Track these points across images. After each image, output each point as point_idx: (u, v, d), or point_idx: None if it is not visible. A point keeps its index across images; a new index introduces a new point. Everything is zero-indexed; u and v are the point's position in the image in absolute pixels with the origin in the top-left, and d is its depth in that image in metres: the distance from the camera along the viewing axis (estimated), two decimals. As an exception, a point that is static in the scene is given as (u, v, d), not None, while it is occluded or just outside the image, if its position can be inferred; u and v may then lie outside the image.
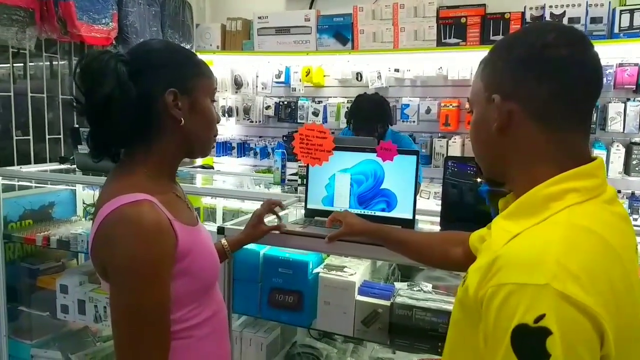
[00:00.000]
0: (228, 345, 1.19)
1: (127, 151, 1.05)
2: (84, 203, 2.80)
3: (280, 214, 1.75)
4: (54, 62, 3.23)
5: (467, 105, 3.48)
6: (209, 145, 1.11)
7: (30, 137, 3.02)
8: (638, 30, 3.04)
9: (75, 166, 2.59)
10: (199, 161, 4.25)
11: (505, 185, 0.85)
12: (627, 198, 3.23)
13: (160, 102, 0.99)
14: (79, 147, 2.50)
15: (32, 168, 2.69)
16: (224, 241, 1.43)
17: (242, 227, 1.60)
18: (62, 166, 2.73)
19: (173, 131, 1.02)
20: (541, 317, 0.60)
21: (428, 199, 3.11)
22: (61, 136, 3.22)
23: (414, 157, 1.63)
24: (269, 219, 1.53)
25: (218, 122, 1.12)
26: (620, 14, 3.08)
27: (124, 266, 0.90)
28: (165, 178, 1.06)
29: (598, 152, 3.19)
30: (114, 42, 3.18)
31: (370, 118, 2.64)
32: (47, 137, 3.14)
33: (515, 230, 0.72)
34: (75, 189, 2.75)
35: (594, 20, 3.16)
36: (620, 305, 0.65)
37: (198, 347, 1.04)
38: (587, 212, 0.71)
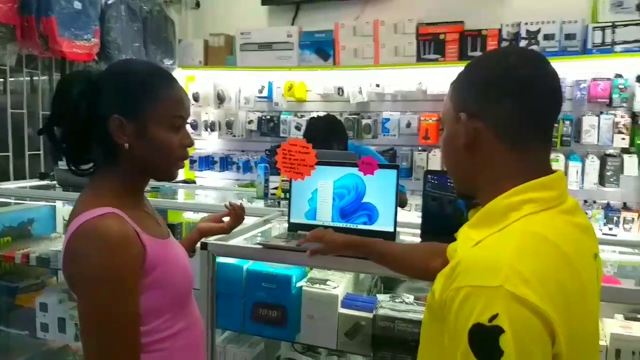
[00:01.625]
0: (204, 358, 1.19)
1: (95, 169, 1.08)
2: (64, 219, 2.76)
3: (265, 227, 1.76)
4: (34, 78, 3.21)
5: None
6: (166, 171, 1.08)
7: (10, 153, 2.98)
8: (610, 47, 3.15)
9: (55, 182, 2.57)
10: (181, 176, 4.24)
11: (477, 198, 0.89)
12: (602, 208, 3.31)
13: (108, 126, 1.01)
14: (60, 163, 2.48)
15: (11, 185, 2.66)
16: None
17: (226, 242, 1.61)
18: (42, 182, 2.70)
19: (123, 155, 1.02)
20: (495, 317, 0.64)
21: (410, 211, 3.14)
22: (41, 152, 3.19)
23: (394, 172, 1.66)
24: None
25: (188, 147, 1.09)
26: (593, 30, 3.19)
27: (90, 278, 0.91)
28: (131, 195, 1.07)
29: (573, 164, 3.28)
30: (96, 58, 3.18)
31: (325, 138, 2.67)
32: (27, 153, 3.11)
33: (477, 238, 0.77)
34: (55, 205, 2.72)
35: (568, 36, 3.26)
36: (571, 307, 0.69)
37: None
38: (542, 221, 0.75)
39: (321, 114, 3.86)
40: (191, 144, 1.10)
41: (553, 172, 0.81)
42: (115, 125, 1.00)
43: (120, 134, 1.00)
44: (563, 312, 0.67)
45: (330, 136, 2.67)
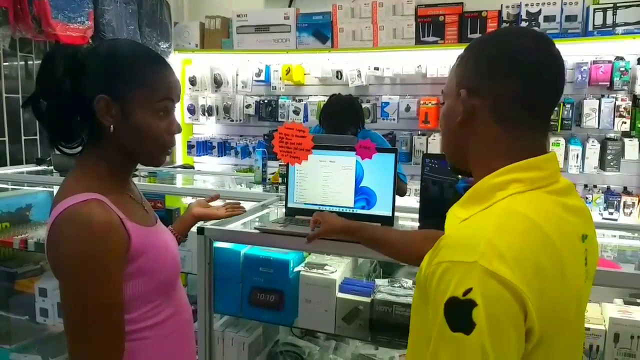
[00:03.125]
0: (192, 345, 1.18)
1: (81, 151, 1.06)
2: (62, 205, 2.75)
3: (263, 212, 1.75)
4: (29, 62, 3.17)
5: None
6: (150, 158, 1.06)
7: (6, 139, 2.96)
8: (611, 28, 3.11)
9: (52, 167, 2.56)
10: (179, 161, 4.22)
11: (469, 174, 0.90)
12: (602, 192, 3.30)
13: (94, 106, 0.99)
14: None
15: (8, 170, 2.65)
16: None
17: (224, 227, 1.60)
18: (39, 167, 2.69)
19: (107, 137, 1.00)
20: (469, 291, 0.67)
21: (409, 195, 3.14)
22: (37, 137, 3.17)
23: (392, 155, 1.64)
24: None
25: (174, 134, 1.06)
26: (594, 12, 3.14)
27: (71, 264, 0.91)
28: (117, 180, 1.05)
29: (573, 148, 3.26)
30: (90, 41, 3.14)
31: (343, 119, 2.65)
32: (23, 138, 3.09)
33: (464, 216, 0.79)
34: (52, 191, 2.71)
35: (568, 18, 3.22)
36: (546, 286, 0.70)
37: (158, 348, 1.05)
38: (527, 200, 0.76)
39: (320, 98, 3.84)
40: (178, 130, 1.07)
41: (546, 153, 0.81)
42: (101, 106, 0.97)
43: (106, 115, 0.98)
44: (537, 290, 0.68)
45: (345, 118, 2.65)
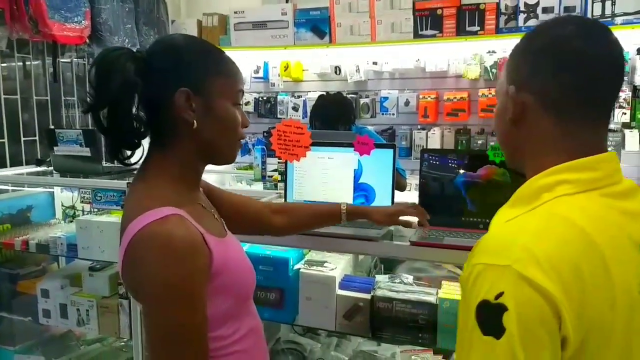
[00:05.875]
0: (266, 353, 1.13)
1: (146, 157, 0.98)
2: (63, 205, 2.76)
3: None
4: (27, 63, 3.17)
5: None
6: (230, 152, 1.01)
7: (5, 140, 2.96)
8: (610, 19, 3.09)
9: (52, 168, 2.56)
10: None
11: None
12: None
13: (172, 103, 0.92)
14: (55, 148, 2.47)
15: (8, 171, 2.64)
16: (343, 206, 1.34)
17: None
18: (39, 168, 2.69)
19: (187, 136, 0.94)
20: (500, 295, 0.65)
21: (409, 190, 3.13)
22: (37, 138, 3.17)
23: (390, 151, 1.64)
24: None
25: (245, 127, 1.02)
26: (593, 2, 3.12)
27: (155, 289, 0.84)
28: (189, 187, 0.99)
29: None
30: (87, 40, 3.13)
31: (333, 119, 2.65)
32: (23, 139, 3.09)
33: (509, 217, 0.75)
34: (53, 192, 2.71)
35: (567, 9, 3.20)
36: (586, 295, 0.67)
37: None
38: (574, 203, 0.73)
39: (319, 93, 3.83)
40: (247, 123, 1.03)
41: (604, 151, 0.77)
42: (182, 100, 0.91)
43: (188, 110, 0.92)
44: (575, 299, 0.66)
45: (336, 118, 2.65)
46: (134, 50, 0.95)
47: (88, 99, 0.92)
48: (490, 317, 0.66)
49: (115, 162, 0.98)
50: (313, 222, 1.39)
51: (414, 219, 1.43)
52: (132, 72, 0.90)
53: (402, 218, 1.37)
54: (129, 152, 0.98)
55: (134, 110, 0.92)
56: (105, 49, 0.95)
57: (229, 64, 1.00)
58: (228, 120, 0.98)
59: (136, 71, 0.90)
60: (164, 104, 0.92)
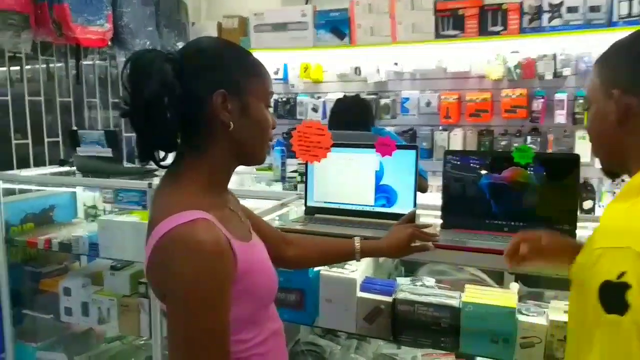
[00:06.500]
0: (286, 355, 1.13)
1: (176, 159, 0.99)
2: (84, 205, 2.79)
3: (282, 211, 1.74)
4: (50, 65, 3.22)
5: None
6: (261, 153, 1.03)
7: (29, 141, 3.01)
8: (637, 18, 3.01)
9: (74, 168, 2.59)
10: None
11: (623, 175, 0.93)
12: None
13: (208, 104, 0.92)
14: (78, 149, 2.50)
15: (31, 171, 2.69)
16: (357, 244, 1.29)
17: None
18: (62, 169, 2.73)
19: (222, 137, 0.95)
20: (622, 274, 0.70)
21: (430, 192, 3.10)
22: (60, 139, 3.22)
23: (413, 152, 1.62)
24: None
25: (273, 128, 1.04)
26: (619, 2, 3.05)
27: (181, 291, 0.85)
28: (219, 189, 1.00)
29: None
30: (109, 43, 3.17)
31: (352, 121, 2.62)
32: (46, 140, 3.14)
33: (621, 207, 0.81)
34: (75, 192, 2.75)
35: (592, 9, 3.12)
36: None
37: None
38: None
39: (339, 95, 3.82)
40: (275, 124, 1.05)
41: None
42: (219, 102, 0.92)
43: (224, 111, 0.93)
44: None
45: (355, 120, 2.63)
46: (170, 53, 0.95)
47: (122, 103, 0.93)
48: (614, 296, 0.70)
49: (140, 163, 0.98)
50: (326, 260, 1.41)
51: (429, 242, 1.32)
52: (170, 73, 0.90)
53: (414, 244, 1.30)
54: (162, 154, 1.00)
55: (170, 111, 0.92)
56: (136, 51, 0.96)
57: (260, 66, 1.02)
58: (262, 121, 0.99)
59: (173, 73, 0.91)
60: (200, 105, 0.93)
